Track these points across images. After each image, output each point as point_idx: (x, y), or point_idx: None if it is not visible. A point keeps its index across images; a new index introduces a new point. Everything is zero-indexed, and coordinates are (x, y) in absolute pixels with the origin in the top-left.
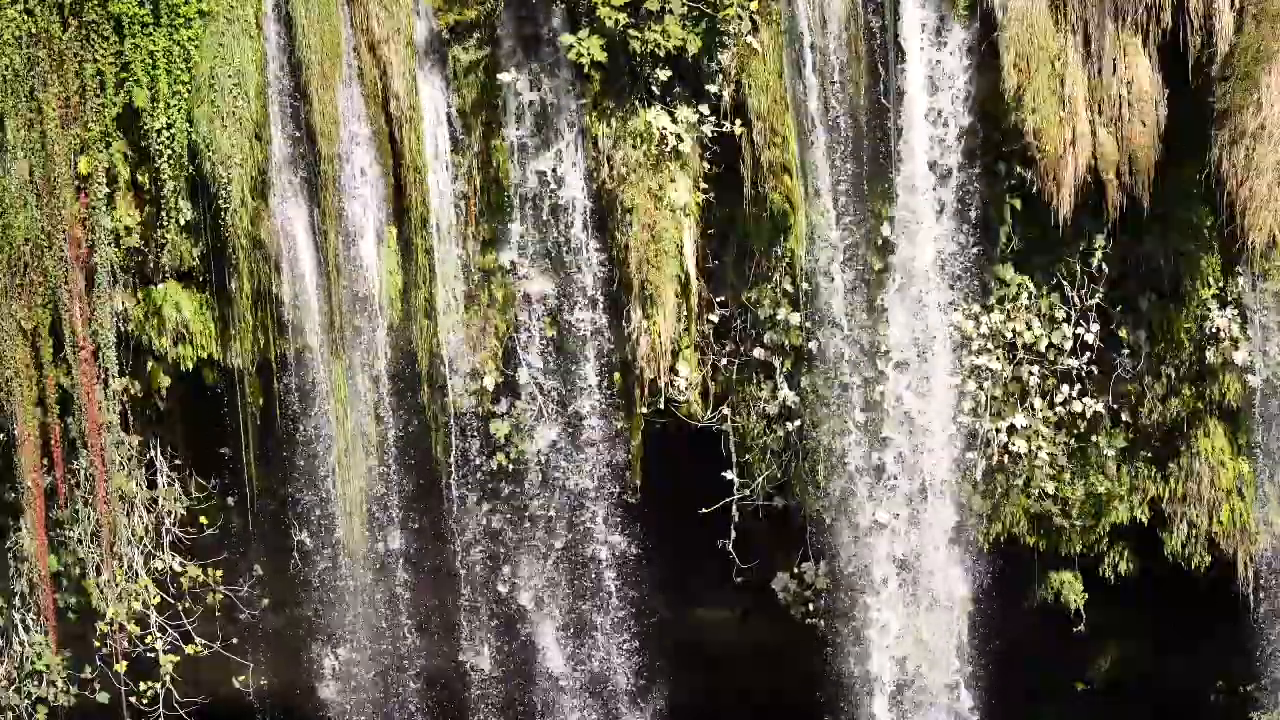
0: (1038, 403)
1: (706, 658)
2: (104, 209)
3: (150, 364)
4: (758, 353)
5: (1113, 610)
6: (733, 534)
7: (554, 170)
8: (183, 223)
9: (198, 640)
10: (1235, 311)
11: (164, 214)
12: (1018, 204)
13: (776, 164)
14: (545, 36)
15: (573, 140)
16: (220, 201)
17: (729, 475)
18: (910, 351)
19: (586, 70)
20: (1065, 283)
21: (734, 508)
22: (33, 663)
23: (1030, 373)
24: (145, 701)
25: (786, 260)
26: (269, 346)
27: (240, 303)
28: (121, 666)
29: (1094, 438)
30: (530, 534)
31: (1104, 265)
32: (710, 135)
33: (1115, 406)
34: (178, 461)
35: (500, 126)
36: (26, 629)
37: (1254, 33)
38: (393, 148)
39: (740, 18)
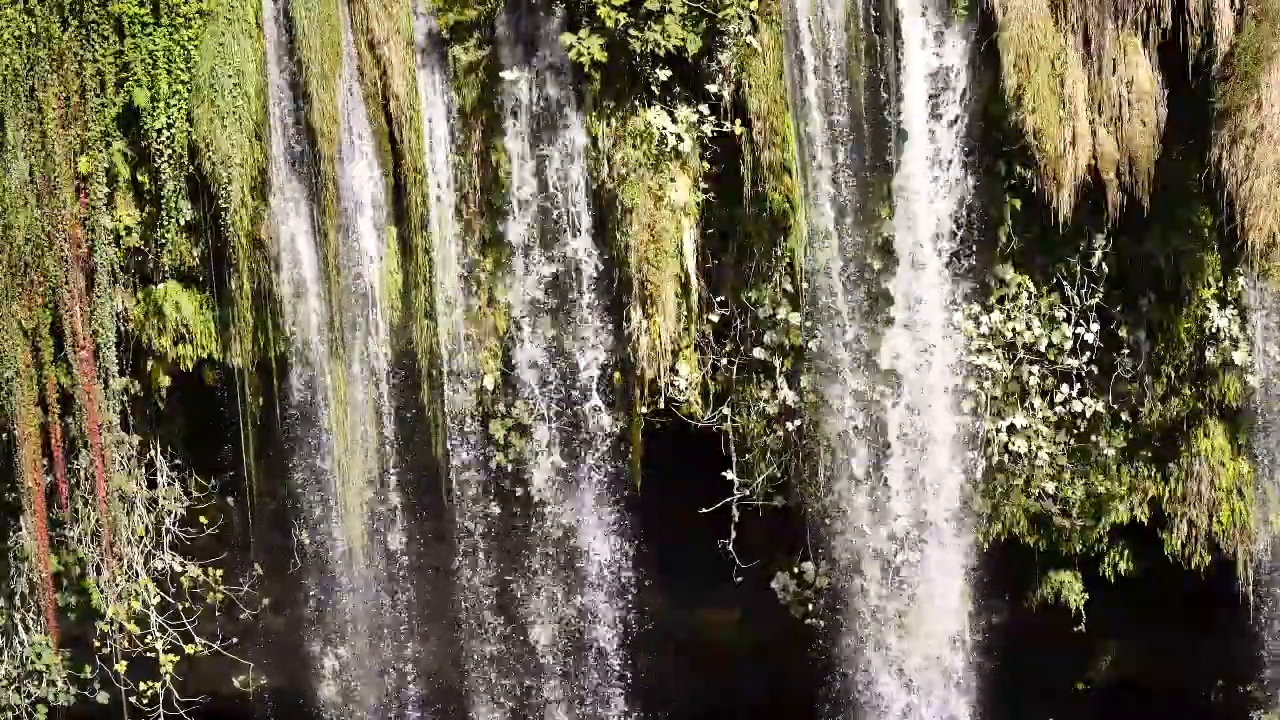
0: (1038, 402)
1: (706, 658)
2: (104, 209)
3: (150, 364)
4: (758, 353)
5: (1113, 610)
6: (733, 534)
7: (554, 170)
8: (183, 223)
9: (198, 640)
10: (1235, 311)
11: (164, 214)
12: (1018, 204)
13: (776, 164)
14: (545, 36)
15: (573, 140)
16: (220, 201)
17: (729, 475)
18: (911, 350)
19: (586, 70)
20: (1065, 283)
21: (734, 508)
22: (33, 663)
23: (1030, 372)
24: (145, 701)
25: (786, 260)
26: (269, 346)
27: (240, 303)
28: (121, 666)
29: (1094, 438)
30: (530, 534)
31: (1104, 265)
32: (710, 135)
33: (1115, 406)
34: (178, 461)
35: (500, 126)
36: (26, 629)
37: (1254, 33)
38: (393, 148)
39: (740, 18)
